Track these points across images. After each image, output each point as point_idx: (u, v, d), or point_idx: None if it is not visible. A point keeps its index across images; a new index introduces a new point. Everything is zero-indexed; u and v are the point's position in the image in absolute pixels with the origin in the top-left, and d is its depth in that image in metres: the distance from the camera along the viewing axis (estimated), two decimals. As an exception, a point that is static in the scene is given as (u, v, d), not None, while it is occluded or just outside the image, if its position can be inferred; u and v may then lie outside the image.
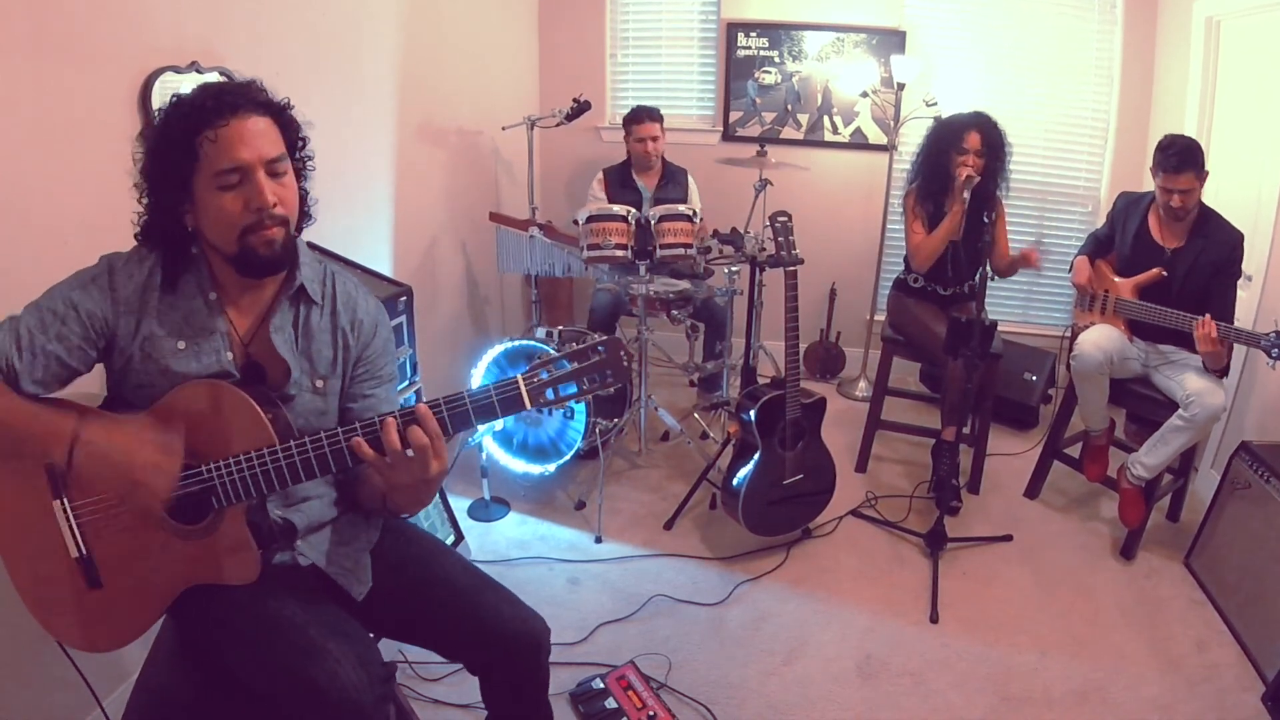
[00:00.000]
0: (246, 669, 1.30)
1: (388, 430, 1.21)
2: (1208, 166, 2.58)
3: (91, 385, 1.36)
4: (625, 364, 1.25)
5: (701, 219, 3.14)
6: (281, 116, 1.29)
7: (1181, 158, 2.53)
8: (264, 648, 1.28)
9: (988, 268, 2.87)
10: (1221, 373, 2.58)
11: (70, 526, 1.27)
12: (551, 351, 1.25)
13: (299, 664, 1.25)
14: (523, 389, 1.22)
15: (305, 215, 1.38)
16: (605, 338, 1.25)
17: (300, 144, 1.33)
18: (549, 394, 1.23)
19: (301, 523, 1.39)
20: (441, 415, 1.23)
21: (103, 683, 1.70)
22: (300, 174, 1.34)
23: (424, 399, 1.27)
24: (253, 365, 1.35)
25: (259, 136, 1.23)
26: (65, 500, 1.26)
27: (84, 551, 1.28)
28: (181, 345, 1.29)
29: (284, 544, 1.38)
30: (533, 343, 2.91)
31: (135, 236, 1.32)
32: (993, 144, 2.93)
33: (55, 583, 1.30)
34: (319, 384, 1.39)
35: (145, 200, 1.27)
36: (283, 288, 1.37)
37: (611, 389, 1.25)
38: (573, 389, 1.23)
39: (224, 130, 1.20)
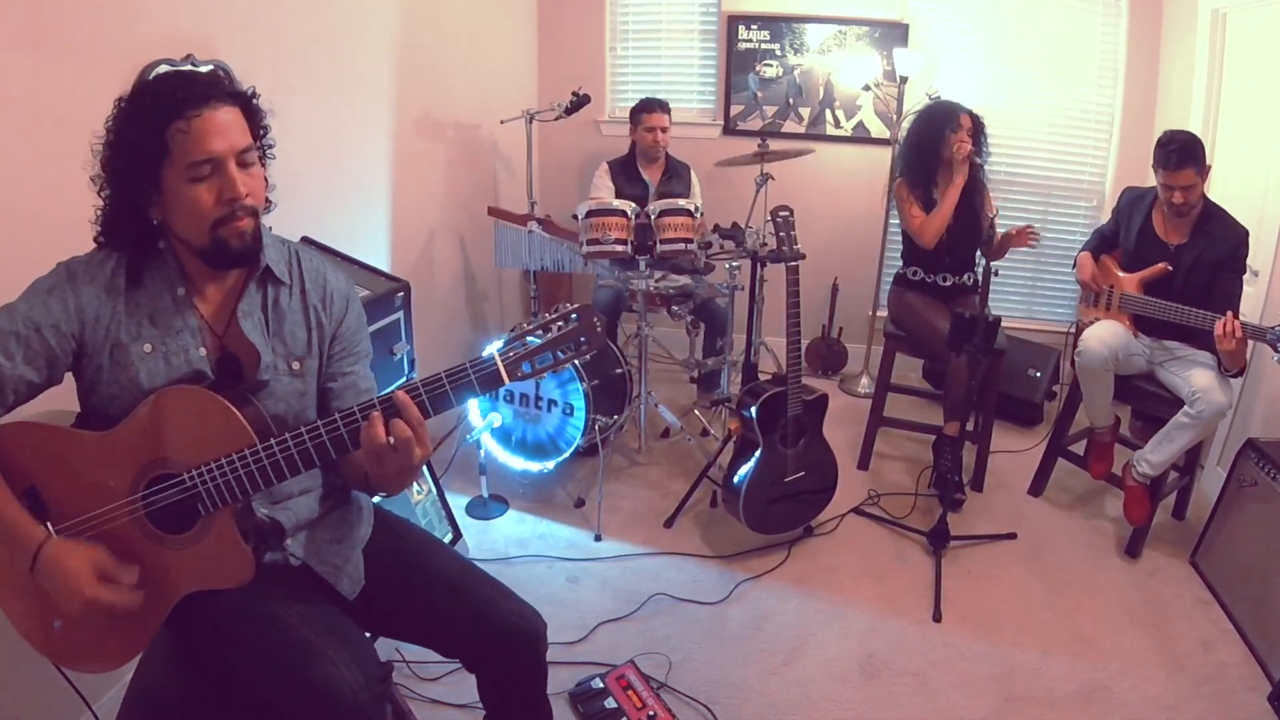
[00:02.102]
0: (241, 671, 1.28)
1: (373, 425, 1.19)
2: (1212, 161, 2.55)
3: (65, 401, 1.33)
4: (598, 330, 1.24)
5: (702, 215, 3.11)
6: (249, 106, 1.26)
7: (1181, 154, 2.49)
8: (259, 649, 1.27)
9: (985, 259, 2.87)
10: (1238, 373, 2.55)
11: None
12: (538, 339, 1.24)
13: (295, 665, 1.23)
14: (499, 364, 1.21)
15: (267, 201, 1.35)
16: (577, 306, 1.25)
17: (263, 132, 1.30)
18: (525, 367, 1.22)
19: (289, 521, 1.37)
20: (421, 399, 1.22)
21: (95, 686, 1.69)
22: (262, 161, 1.31)
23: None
24: (227, 357, 1.32)
25: (230, 127, 1.21)
26: (49, 525, 1.23)
27: None
28: (148, 348, 1.26)
29: (273, 543, 1.36)
30: (531, 338, 2.88)
31: (95, 238, 1.28)
32: (979, 129, 3.00)
33: (48, 608, 1.27)
34: (295, 366, 1.36)
35: (107, 194, 1.24)
36: (249, 272, 1.34)
37: (587, 355, 1.25)
38: (549, 359, 1.23)
39: (196, 121, 1.17)
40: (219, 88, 1.21)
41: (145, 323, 1.26)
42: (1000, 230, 3.13)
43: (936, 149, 2.98)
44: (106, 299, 1.25)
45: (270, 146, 1.33)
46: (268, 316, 1.35)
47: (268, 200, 1.35)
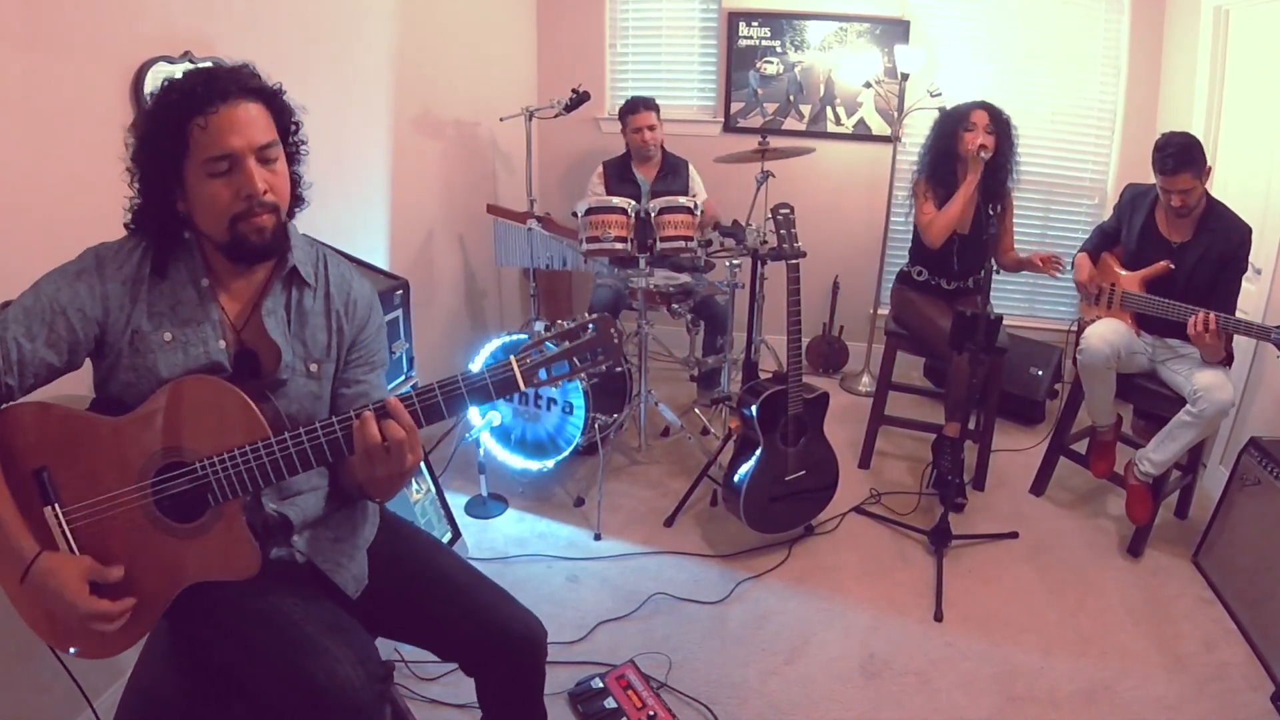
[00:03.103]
0: (243, 666, 1.28)
1: (366, 424, 1.19)
2: (1214, 159, 2.53)
3: (79, 386, 1.33)
4: (616, 342, 1.25)
5: (707, 200, 3.09)
6: (274, 102, 1.26)
7: (1177, 159, 2.46)
8: (261, 644, 1.27)
9: (992, 261, 2.84)
10: (1223, 363, 2.54)
11: (64, 533, 1.24)
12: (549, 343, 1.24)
13: (297, 661, 1.23)
14: (516, 370, 1.21)
15: (298, 200, 1.36)
16: (595, 316, 1.25)
17: (294, 129, 1.31)
18: (542, 374, 1.22)
19: (297, 517, 1.37)
20: (436, 399, 1.22)
21: (94, 682, 1.68)
22: (293, 159, 1.32)
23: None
24: (246, 353, 1.32)
25: (250, 123, 1.21)
26: (57, 506, 1.23)
27: (79, 557, 1.26)
28: (169, 337, 1.26)
29: (281, 539, 1.36)
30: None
31: (126, 225, 1.29)
32: (1000, 126, 2.92)
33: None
34: (313, 368, 1.37)
35: (137, 186, 1.25)
36: (275, 270, 1.35)
37: (603, 366, 1.25)
38: (565, 368, 1.23)
39: (214, 117, 1.18)
40: (241, 83, 1.21)
41: (167, 312, 1.27)
42: (1022, 253, 3.10)
43: (952, 147, 2.95)
44: (132, 286, 1.25)
45: (302, 144, 1.32)
46: (290, 316, 1.36)
47: (301, 198, 1.35)
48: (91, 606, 1.19)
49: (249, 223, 1.23)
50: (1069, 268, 3.03)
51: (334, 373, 1.41)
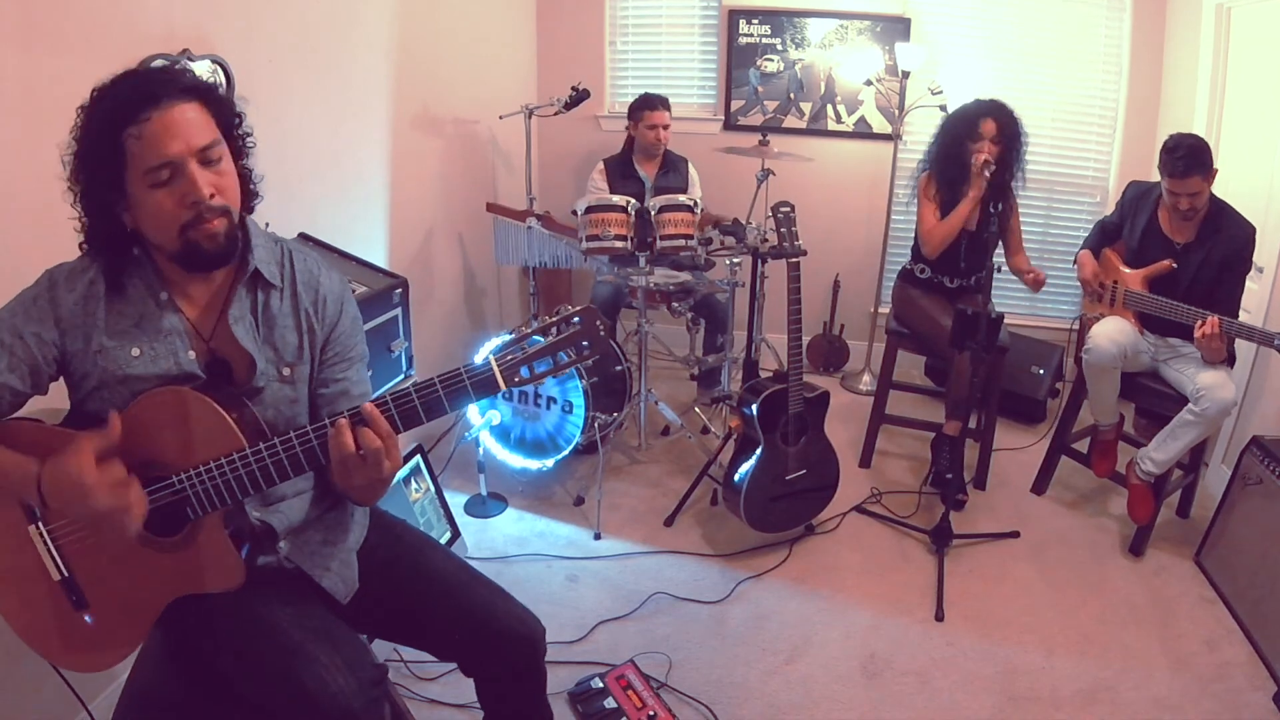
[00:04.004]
0: (235, 674, 1.27)
1: (340, 433, 1.16)
2: (1215, 159, 2.50)
3: (52, 400, 1.31)
4: (601, 334, 1.20)
5: (703, 208, 3.09)
6: (210, 98, 1.20)
7: (1188, 162, 2.44)
8: (251, 654, 1.26)
9: (993, 259, 2.82)
10: (1225, 362, 2.53)
11: (49, 550, 1.24)
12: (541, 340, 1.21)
13: (287, 670, 1.22)
14: (496, 370, 1.17)
15: (253, 195, 1.31)
16: (581, 308, 1.20)
17: (237, 122, 1.25)
18: (524, 371, 1.18)
19: (280, 524, 1.34)
20: (413, 404, 1.18)
21: (91, 685, 1.68)
22: (240, 153, 1.26)
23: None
24: (218, 362, 1.29)
25: (187, 126, 1.14)
26: (42, 524, 1.23)
27: (66, 573, 1.25)
28: (136, 352, 1.23)
29: (267, 546, 1.34)
30: (532, 341, 2.85)
31: (80, 245, 1.25)
32: (1009, 133, 2.87)
33: (42, 607, 1.27)
34: (286, 372, 1.33)
35: (79, 203, 1.20)
36: (237, 275, 1.29)
37: (589, 360, 1.20)
38: (549, 363, 1.19)
39: (148, 125, 1.11)
40: (171, 85, 1.15)
41: (131, 328, 1.23)
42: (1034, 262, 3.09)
43: (961, 157, 2.89)
44: (88, 306, 1.22)
45: (247, 136, 1.27)
46: (258, 321, 1.31)
47: (255, 193, 1.30)
48: (101, 476, 1.12)
49: (200, 229, 1.17)
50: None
51: (309, 374, 1.36)
